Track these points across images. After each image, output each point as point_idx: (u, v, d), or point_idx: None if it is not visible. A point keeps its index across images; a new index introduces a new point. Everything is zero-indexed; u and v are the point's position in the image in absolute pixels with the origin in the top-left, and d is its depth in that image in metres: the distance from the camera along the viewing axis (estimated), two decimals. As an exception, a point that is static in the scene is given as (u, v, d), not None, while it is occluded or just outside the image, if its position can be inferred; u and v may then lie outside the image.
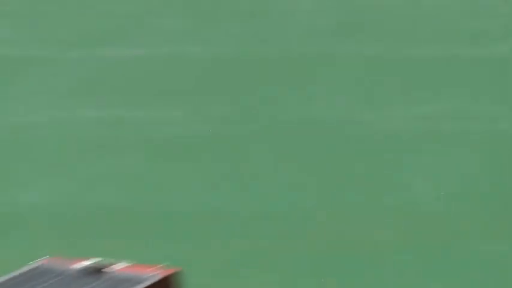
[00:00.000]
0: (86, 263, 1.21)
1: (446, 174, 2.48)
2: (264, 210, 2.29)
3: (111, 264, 1.21)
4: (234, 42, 3.57)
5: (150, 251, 2.09)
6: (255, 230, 2.19)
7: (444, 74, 3.29)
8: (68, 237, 2.16)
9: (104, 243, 2.08)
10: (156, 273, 1.14)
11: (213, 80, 3.14)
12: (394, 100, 3.01)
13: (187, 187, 2.41)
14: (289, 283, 1.89)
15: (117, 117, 2.82)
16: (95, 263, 1.20)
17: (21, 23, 3.97)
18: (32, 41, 3.68)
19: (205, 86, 3.09)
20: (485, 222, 2.20)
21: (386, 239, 2.15)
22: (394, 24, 3.90)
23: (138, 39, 3.64)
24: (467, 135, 2.75)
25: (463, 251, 2.04)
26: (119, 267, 1.22)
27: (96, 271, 1.20)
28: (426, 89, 3.13)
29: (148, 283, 1.10)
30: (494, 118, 2.87)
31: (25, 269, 1.26)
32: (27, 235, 2.21)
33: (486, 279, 1.84)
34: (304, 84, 3.08)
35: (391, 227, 2.19)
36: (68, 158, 2.57)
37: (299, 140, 2.68)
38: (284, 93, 3.02)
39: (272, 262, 2.02)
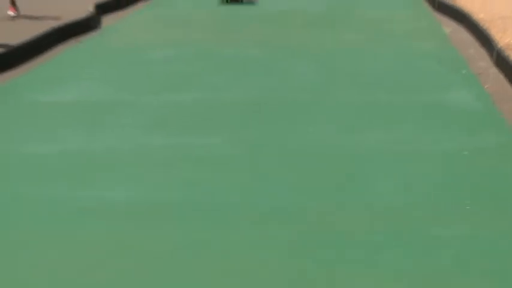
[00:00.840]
0: None
1: (402, 179, 2.70)
2: (271, 203, 2.49)
3: None
4: (254, 91, 3.97)
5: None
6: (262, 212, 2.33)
7: (395, 113, 3.55)
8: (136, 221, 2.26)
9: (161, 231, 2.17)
10: None
11: (242, 116, 3.48)
12: (363, 130, 3.26)
13: (225, 184, 2.59)
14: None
15: (180, 142, 3.11)
16: None
17: (112, 80, 4.32)
18: (120, 90, 3.99)
19: (237, 120, 3.41)
20: (436, 215, 2.33)
21: (363, 226, 2.23)
22: (360, 80, 4.25)
23: (194, 88, 4.05)
24: (414, 152, 2.98)
25: (420, 233, 2.16)
26: None
27: None
28: (384, 122, 3.36)
29: None
30: (432, 142, 3.10)
31: None
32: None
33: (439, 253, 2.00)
34: (302, 120, 3.39)
35: (364, 218, 2.30)
36: (145, 169, 2.74)
37: (298, 156, 2.84)
38: (288, 124, 3.26)
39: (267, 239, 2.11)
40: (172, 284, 1.78)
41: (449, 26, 6.18)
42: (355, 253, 2.04)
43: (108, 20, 5.99)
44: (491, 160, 2.85)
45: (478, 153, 2.88)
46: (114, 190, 2.54)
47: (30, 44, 4.69)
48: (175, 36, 5.61)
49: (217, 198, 2.47)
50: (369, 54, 5.01)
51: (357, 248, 2.05)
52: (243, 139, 3.13)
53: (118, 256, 1.94)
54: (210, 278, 1.83)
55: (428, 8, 7.24)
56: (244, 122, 3.34)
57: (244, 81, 4.11)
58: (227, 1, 6.99)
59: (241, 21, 6.35)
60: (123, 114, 3.43)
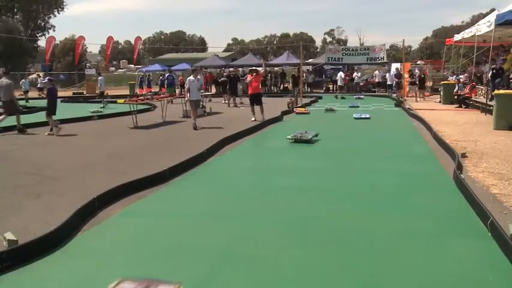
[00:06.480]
0: None
1: (388, 175, 4.51)
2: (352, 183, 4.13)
3: None
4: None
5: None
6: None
7: (392, 157, 5.59)
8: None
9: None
10: None
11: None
12: (377, 162, 5.22)
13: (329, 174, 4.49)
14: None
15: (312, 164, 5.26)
16: None
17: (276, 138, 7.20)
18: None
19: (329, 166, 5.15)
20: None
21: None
22: (374, 143, 6.75)
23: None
24: (397, 169, 4.83)
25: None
26: None
27: None
28: (385, 160, 5.40)
29: None
30: (407, 165, 4.99)
31: None
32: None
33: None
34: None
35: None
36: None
37: (359, 169, 4.82)
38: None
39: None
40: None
41: (414, 122, 9.50)
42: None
43: (285, 119, 10.56)
44: (428, 174, 4.50)
45: (423, 171, 4.65)
46: (285, 180, 4.40)
47: (256, 127, 8.52)
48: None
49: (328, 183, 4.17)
50: (378, 132, 7.83)
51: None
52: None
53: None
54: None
55: (406, 115, 10.95)
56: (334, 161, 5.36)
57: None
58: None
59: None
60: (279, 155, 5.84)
